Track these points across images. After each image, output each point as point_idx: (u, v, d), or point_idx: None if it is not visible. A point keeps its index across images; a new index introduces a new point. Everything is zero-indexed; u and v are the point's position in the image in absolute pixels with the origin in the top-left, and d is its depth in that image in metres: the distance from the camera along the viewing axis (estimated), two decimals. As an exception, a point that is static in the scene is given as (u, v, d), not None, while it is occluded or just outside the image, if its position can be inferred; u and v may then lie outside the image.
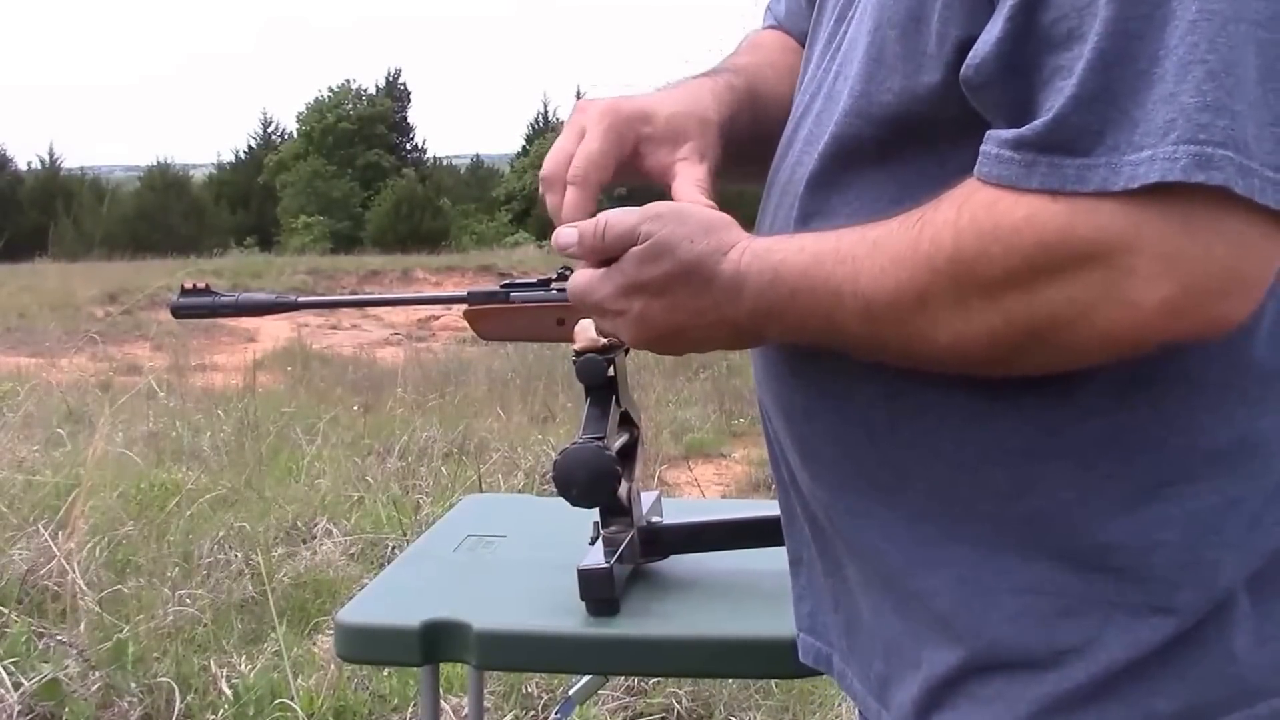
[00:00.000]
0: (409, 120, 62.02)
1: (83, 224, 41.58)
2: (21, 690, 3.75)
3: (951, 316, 1.06)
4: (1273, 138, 0.95)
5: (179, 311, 1.83)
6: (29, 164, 55.04)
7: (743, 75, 1.50)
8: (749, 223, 1.33)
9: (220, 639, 4.40)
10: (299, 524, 5.87)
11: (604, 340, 1.72)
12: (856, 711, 1.37)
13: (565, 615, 1.76)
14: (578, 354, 1.75)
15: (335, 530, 5.73)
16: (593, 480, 1.68)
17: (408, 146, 61.16)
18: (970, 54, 1.05)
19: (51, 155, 54.60)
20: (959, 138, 1.08)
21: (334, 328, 20.21)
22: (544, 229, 1.36)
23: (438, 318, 19.90)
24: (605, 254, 1.24)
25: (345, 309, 17.41)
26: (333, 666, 4.06)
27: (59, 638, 4.17)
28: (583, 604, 1.74)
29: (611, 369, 1.76)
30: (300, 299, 1.88)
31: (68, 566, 4.59)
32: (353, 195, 55.09)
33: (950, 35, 1.08)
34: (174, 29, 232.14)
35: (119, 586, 4.63)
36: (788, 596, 1.45)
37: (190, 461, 7.07)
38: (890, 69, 1.14)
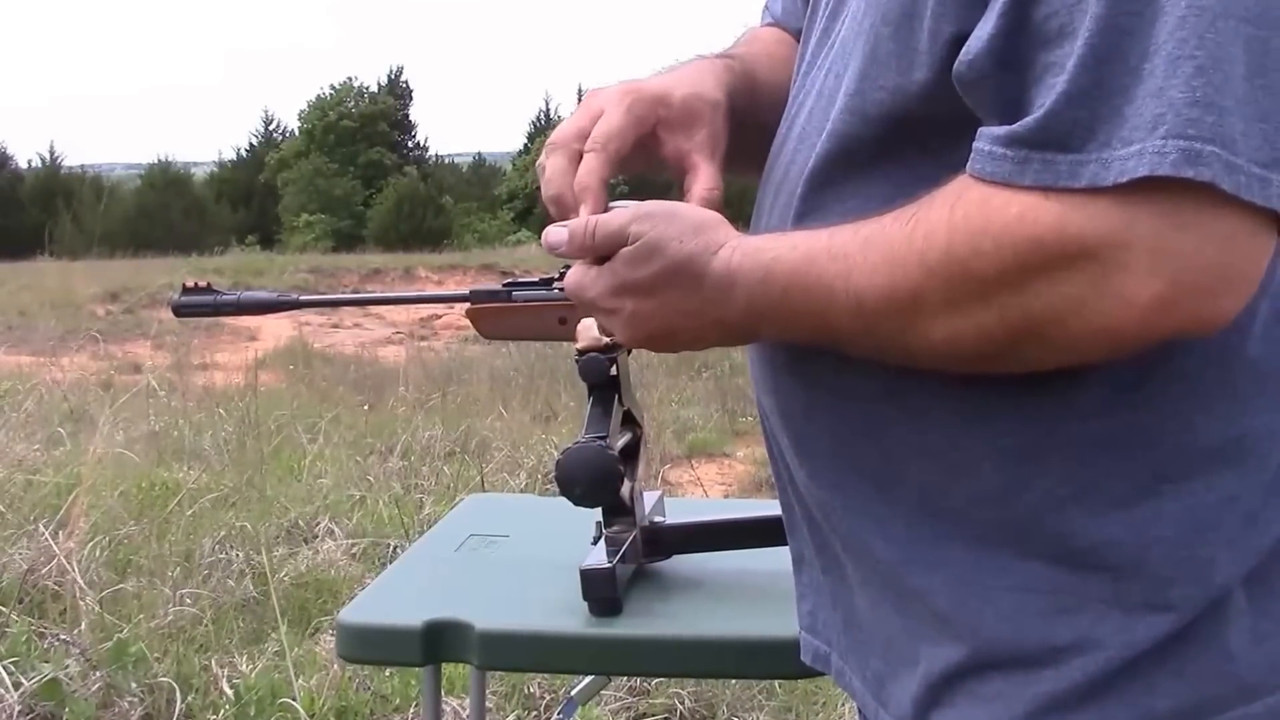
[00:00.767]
0: (411, 118, 62.24)
1: (83, 222, 41.59)
2: (22, 690, 3.74)
3: (945, 314, 1.07)
4: (1260, 134, 0.95)
5: (180, 310, 1.84)
6: (29, 162, 55.20)
7: (740, 60, 1.50)
8: (747, 222, 1.34)
9: (221, 639, 4.40)
10: (300, 523, 5.87)
11: (606, 339, 1.71)
12: (857, 711, 1.37)
13: (568, 615, 1.75)
14: (580, 353, 1.75)
15: (337, 530, 5.73)
16: (595, 480, 1.67)
17: (409, 144, 61.31)
18: (963, 50, 1.05)
19: (52, 153, 54.82)
20: (953, 135, 1.07)
21: (336, 326, 20.22)
22: (546, 227, 1.35)
23: (440, 316, 19.90)
24: (595, 254, 1.25)
25: (347, 308, 17.53)
26: (334, 666, 4.06)
27: (59, 637, 4.17)
28: (585, 604, 1.74)
29: (614, 368, 1.76)
30: (302, 298, 1.89)
31: (68, 566, 4.59)
32: (354, 193, 55.20)
33: (943, 32, 1.08)
34: (174, 27, 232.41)
35: (120, 586, 4.63)
36: (791, 597, 1.44)
37: (191, 461, 7.06)
38: (884, 66, 1.14)
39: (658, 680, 4.06)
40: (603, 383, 1.76)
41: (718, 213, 1.27)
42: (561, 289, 1.67)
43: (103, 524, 5.16)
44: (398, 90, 61.73)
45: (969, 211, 1.03)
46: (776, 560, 1.47)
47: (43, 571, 4.64)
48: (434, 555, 2.10)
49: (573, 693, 2.22)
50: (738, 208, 1.40)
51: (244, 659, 4.22)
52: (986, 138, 1.03)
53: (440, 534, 2.23)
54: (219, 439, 7.61)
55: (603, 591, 1.73)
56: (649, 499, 1.94)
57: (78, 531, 4.86)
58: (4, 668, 3.81)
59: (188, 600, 4.61)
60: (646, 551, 1.87)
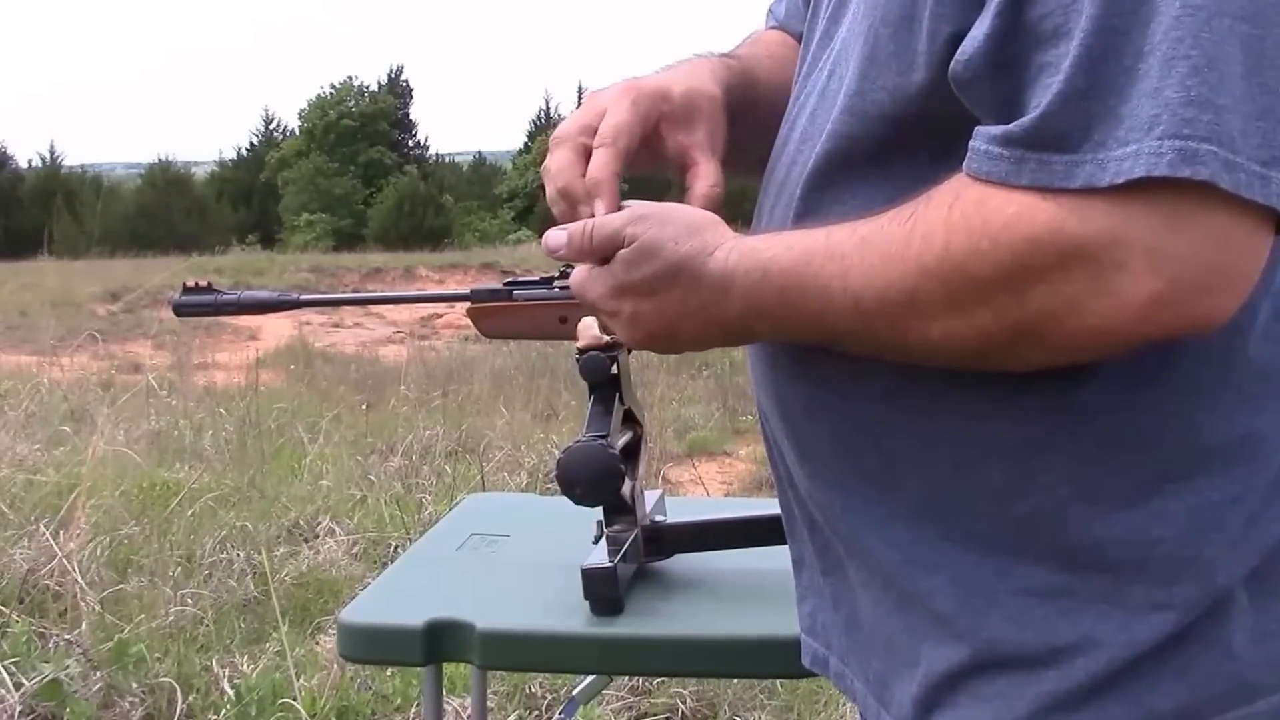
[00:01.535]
0: (411, 117, 62.34)
1: (84, 222, 41.61)
2: (22, 690, 3.74)
3: (942, 313, 1.07)
4: (1259, 132, 0.95)
5: (181, 309, 1.84)
6: (29, 162, 55.23)
7: (740, 59, 1.51)
8: (747, 221, 1.34)
9: (222, 639, 4.40)
10: (301, 523, 5.87)
11: (607, 338, 1.71)
12: (857, 712, 1.36)
13: (569, 615, 1.75)
14: (581, 352, 1.75)
15: (338, 529, 5.73)
16: (596, 479, 1.68)
17: (410, 143, 61.39)
18: (959, 50, 1.05)
19: (52, 153, 54.92)
20: (953, 136, 1.07)
21: (336, 326, 20.22)
22: (547, 225, 1.35)
23: (440, 315, 19.92)
24: (594, 256, 1.27)
25: (348, 307, 17.50)
26: (335, 666, 4.05)
27: (60, 637, 4.17)
28: (586, 603, 1.74)
29: (615, 367, 1.76)
30: (302, 297, 1.89)
31: (69, 566, 4.59)
32: (355, 192, 55.27)
33: (942, 32, 1.08)
34: (174, 26, 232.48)
35: (121, 586, 4.63)
36: (792, 596, 1.44)
37: (192, 460, 7.06)
38: (884, 67, 1.14)
39: (659, 679, 4.05)
40: (603, 381, 1.76)
41: (716, 212, 1.28)
42: (562, 288, 1.69)
43: (103, 524, 5.16)
44: (398, 89, 61.80)
45: (966, 211, 1.03)
46: (778, 559, 1.47)
47: (43, 571, 4.64)
48: (435, 555, 2.10)
49: (574, 692, 2.22)
50: (737, 206, 1.40)
51: (245, 659, 4.22)
52: (983, 137, 1.03)
53: (441, 533, 2.23)
54: (220, 439, 7.62)
55: (604, 591, 1.73)
56: (650, 498, 1.94)
57: (78, 531, 4.86)
58: (5, 668, 3.80)
59: (189, 600, 4.61)
60: (648, 551, 1.86)
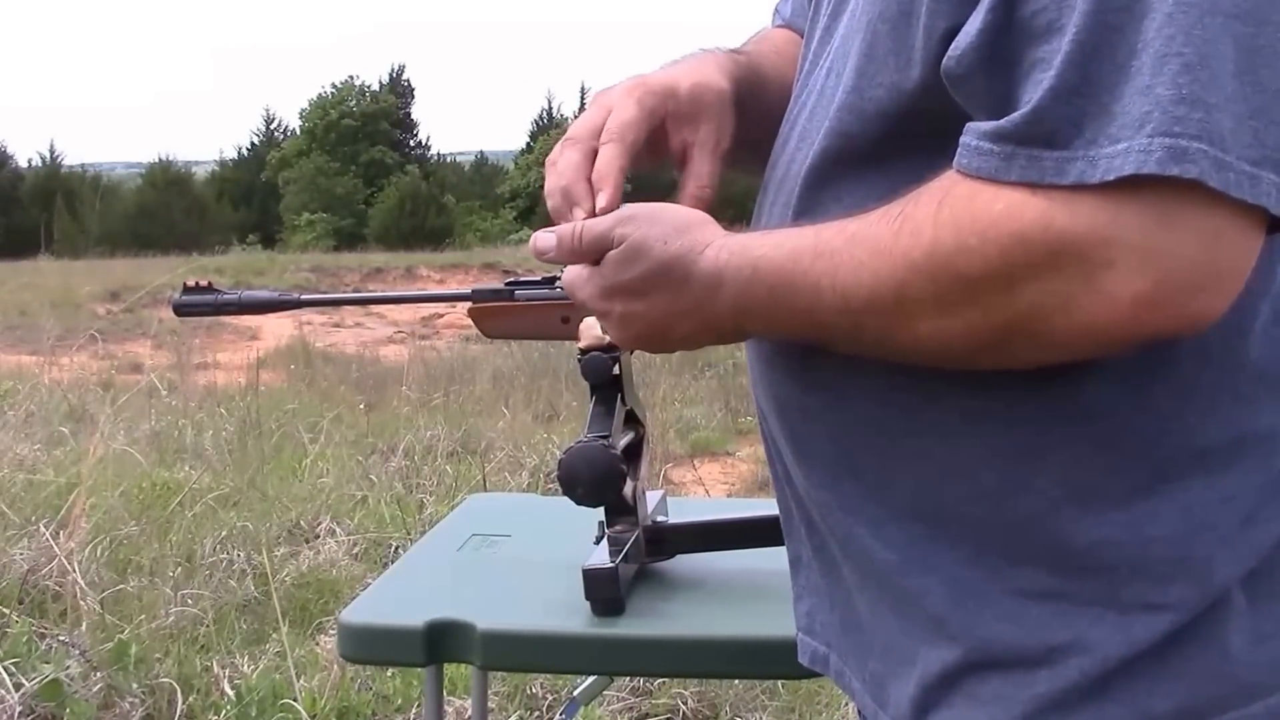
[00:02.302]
0: (413, 117, 62.36)
1: (84, 221, 41.66)
2: (22, 691, 3.74)
3: (930, 310, 1.07)
4: (1250, 131, 0.95)
5: (181, 309, 1.84)
6: (29, 161, 55.25)
7: (746, 55, 1.52)
8: (747, 220, 1.35)
9: (223, 639, 4.40)
10: (302, 523, 5.87)
11: (609, 338, 1.71)
12: (857, 712, 1.37)
13: (570, 615, 1.75)
14: (582, 352, 1.76)
15: (338, 530, 5.73)
16: (598, 479, 1.68)
17: (411, 143, 61.44)
18: (952, 45, 1.05)
19: (52, 152, 54.91)
20: (951, 133, 1.07)
21: (337, 326, 20.23)
22: (548, 225, 1.36)
23: (442, 316, 19.91)
24: (583, 258, 1.28)
25: (348, 307, 17.49)
26: (336, 667, 4.05)
27: (60, 638, 4.16)
28: (588, 604, 1.74)
29: (616, 367, 1.76)
30: (303, 297, 1.89)
31: (69, 566, 4.58)
32: (356, 192, 55.33)
33: (938, 28, 1.08)
34: (175, 24, 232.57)
35: (121, 586, 4.63)
36: (792, 594, 1.44)
37: (192, 460, 7.06)
38: (881, 64, 1.14)
39: (660, 680, 4.06)
40: (605, 382, 1.76)
41: (705, 212, 1.28)
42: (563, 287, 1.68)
43: (103, 524, 5.15)
44: (399, 88, 61.86)
45: (955, 208, 1.03)
46: (779, 560, 1.47)
47: (43, 572, 4.63)
48: (436, 555, 2.10)
49: (575, 693, 2.22)
50: (741, 205, 1.40)
51: (245, 659, 4.21)
52: (973, 133, 1.03)
53: (442, 534, 2.23)
54: (220, 439, 7.61)
55: (605, 591, 1.73)
56: (651, 498, 1.94)
57: (78, 532, 4.86)
58: (5, 668, 3.80)
59: (189, 600, 4.61)
60: (649, 551, 1.86)
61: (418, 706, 3.91)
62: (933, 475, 1.17)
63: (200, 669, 4.14)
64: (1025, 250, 1.00)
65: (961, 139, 1.04)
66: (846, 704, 3.92)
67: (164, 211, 48.25)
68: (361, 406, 9.90)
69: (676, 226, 1.23)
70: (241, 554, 5.17)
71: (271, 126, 62.58)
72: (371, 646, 1.84)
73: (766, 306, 1.18)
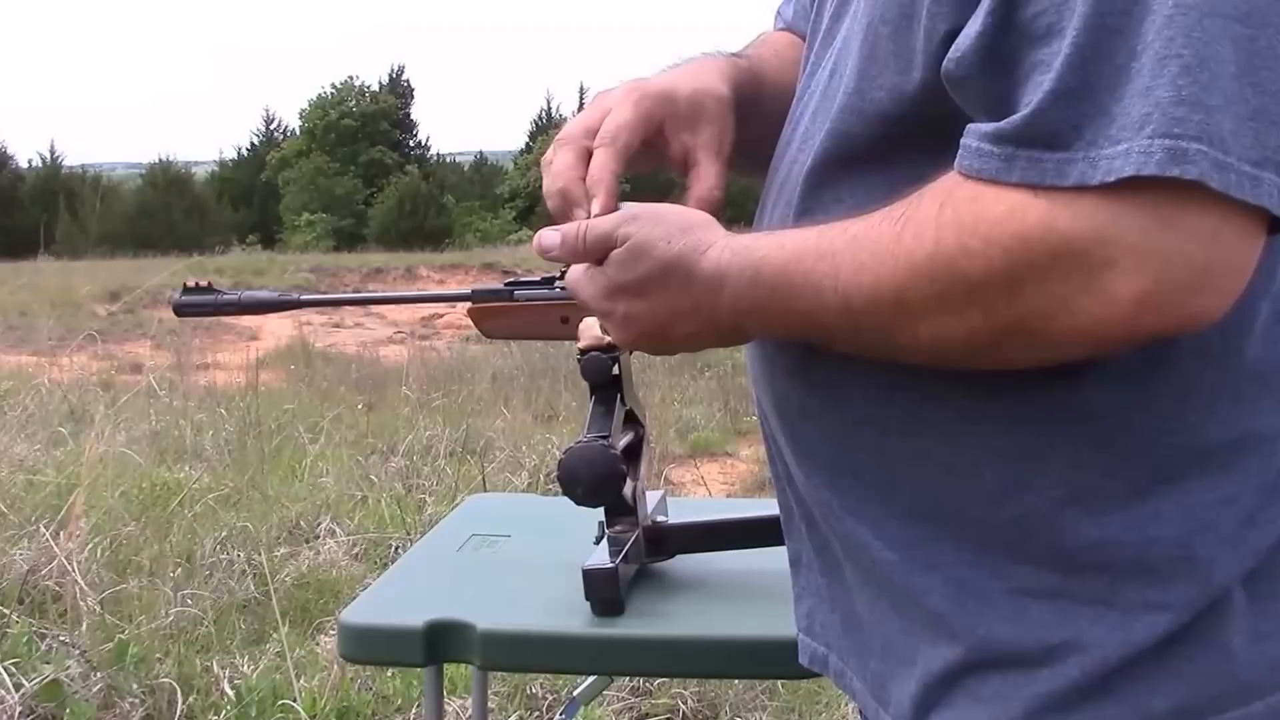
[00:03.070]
0: (412, 117, 62.35)
1: (84, 222, 41.64)
2: (23, 691, 3.74)
3: (932, 311, 1.07)
4: (1251, 132, 0.95)
5: (181, 309, 1.84)
6: (30, 161, 55.21)
7: (748, 59, 1.52)
8: (748, 220, 1.35)
9: (222, 639, 4.40)
10: (302, 523, 5.87)
11: (609, 339, 1.71)
12: (858, 712, 1.37)
13: (570, 615, 1.75)
14: (582, 352, 1.75)
15: (338, 530, 5.73)
16: (598, 479, 1.68)
17: (411, 143, 61.43)
18: (952, 48, 1.05)
19: (53, 153, 54.87)
20: (951, 135, 1.07)
21: (337, 326, 20.21)
22: (548, 225, 1.36)
23: (441, 316, 19.91)
24: (587, 257, 1.28)
25: (348, 307, 17.49)
26: (335, 667, 4.05)
27: (60, 638, 4.17)
28: (588, 604, 1.74)
29: (616, 367, 1.76)
30: (303, 297, 1.89)
31: (69, 566, 4.58)
32: (356, 192, 55.31)
33: (939, 30, 1.08)
34: (175, 24, 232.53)
35: (121, 586, 4.63)
36: (792, 594, 1.44)
37: (192, 461, 7.06)
38: (883, 66, 1.14)
39: (660, 680, 4.05)
40: (605, 382, 1.76)
41: (714, 215, 1.28)
42: (564, 288, 1.68)
43: (103, 524, 5.15)
44: (399, 89, 61.85)
45: (957, 209, 1.03)
46: (779, 560, 1.47)
47: (43, 572, 4.63)
48: (436, 555, 2.10)
49: (575, 693, 2.22)
50: (740, 206, 1.40)
51: (245, 660, 4.21)
52: (974, 134, 1.03)
53: (442, 534, 2.23)
54: (220, 439, 7.62)
55: (605, 591, 1.73)
56: (651, 498, 1.94)
57: (78, 532, 4.85)
58: (5, 669, 3.80)
59: (189, 601, 4.61)
60: (649, 551, 1.86)
61: (418, 707, 3.91)
62: (933, 475, 1.17)
63: (200, 669, 4.14)
64: (1027, 251, 1.00)
65: (962, 140, 1.04)
66: (846, 703, 3.92)
67: (164, 212, 48.21)
68: (361, 407, 9.91)
69: (680, 226, 1.23)
70: (241, 554, 5.17)
71: (271, 127, 62.64)
72: (371, 647, 1.84)
73: (768, 307, 1.18)
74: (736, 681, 4.02)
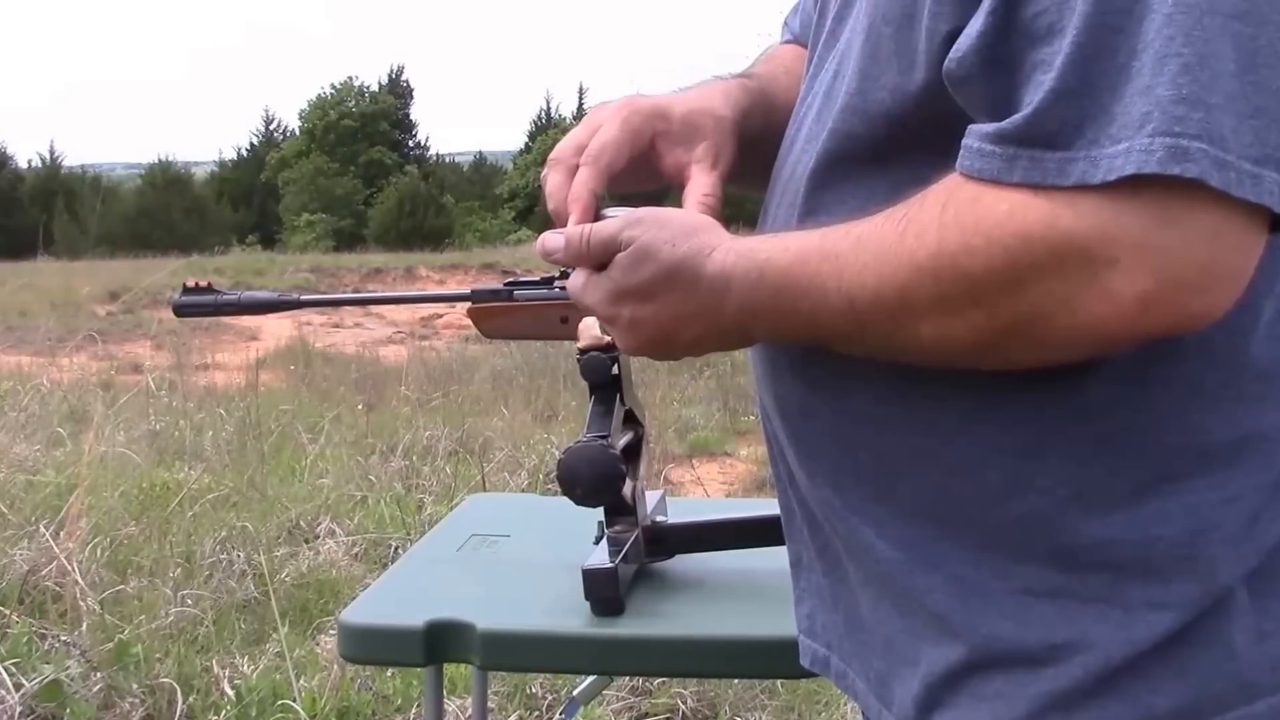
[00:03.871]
0: (412, 117, 62.26)
1: (83, 222, 41.58)
2: (23, 691, 3.73)
3: (935, 312, 1.07)
4: (1251, 130, 0.95)
5: (181, 310, 1.84)
6: (29, 162, 55.14)
7: (757, 79, 1.52)
8: (750, 223, 1.36)
9: (222, 639, 4.39)
10: (301, 523, 5.86)
11: (608, 338, 1.71)
12: (859, 713, 1.37)
13: (570, 615, 1.75)
14: (581, 352, 1.75)
15: (338, 530, 5.72)
16: (597, 479, 1.68)
17: (410, 144, 61.38)
18: (953, 48, 1.05)
19: (52, 153, 54.79)
20: (954, 136, 1.07)
21: (337, 326, 20.19)
22: (547, 226, 1.37)
23: (441, 316, 19.87)
24: (591, 261, 1.28)
25: (348, 307, 17.46)
26: (335, 667, 4.05)
27: (60, 638, 4.16)
28: (587, 604, 1.74)
29: (616, 367, 1.76)
30: (303, 297, 1.89)
31: (69, 567, 4.58)
32: (355, 192, 55.26)
33: (940, 31, 1.08)
34: (175, 26, 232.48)
35: (121, 587, 4.63)
36: (792, 596, 1.44)
37: (192, 461, 7.05)
38: (884, 66, 1.14)
39: (660, 680, 4.05)
40: (604, 382, 1.76)
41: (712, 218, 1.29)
42: (563, 288, 1.69)
43: (103, 524, 5.15)
44: (398, 89, 61.80)
45: (959, 209, 1.04)
46: (779, 559, 1.47)
47: (43, 572, 4.63)
48: (435, 555, 2.10)
49: (575, 693, 2.22)
50: (739, 206, 1.40)
51: (245, 660, 4.21)
52: (975, 134, 1.04)
53: (442, 534, 2.23)
54: (220, 439, 7.61)
55: (605, 591, 1.73)
56: (651, 498, 1.94)
57: (78, 532, 4.85)
58: (5, 669, 3.80)
59: (189, 601, 4.61)
60: (649, 551, 1.86)
61: (417, 706, 3.91)
62: (936, 474, 1.18)
63: (200, 669, 4.14)
64: (1030, 251, 1.00)
65: (964, 141, 1.05)
66: (846, 703, 3.93)
67: (163, 212, 48.14)
68: (361, 407, 9.89)
69: (684, 230, 1.23)
70: (241, 554, 5.17)
71: (271, 127, 62.58)
72: (371, 647, 1.84)
73: (772, 309, 1.18)
74: (736, 681, 4.02)
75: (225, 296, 1.82)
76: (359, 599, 1.96)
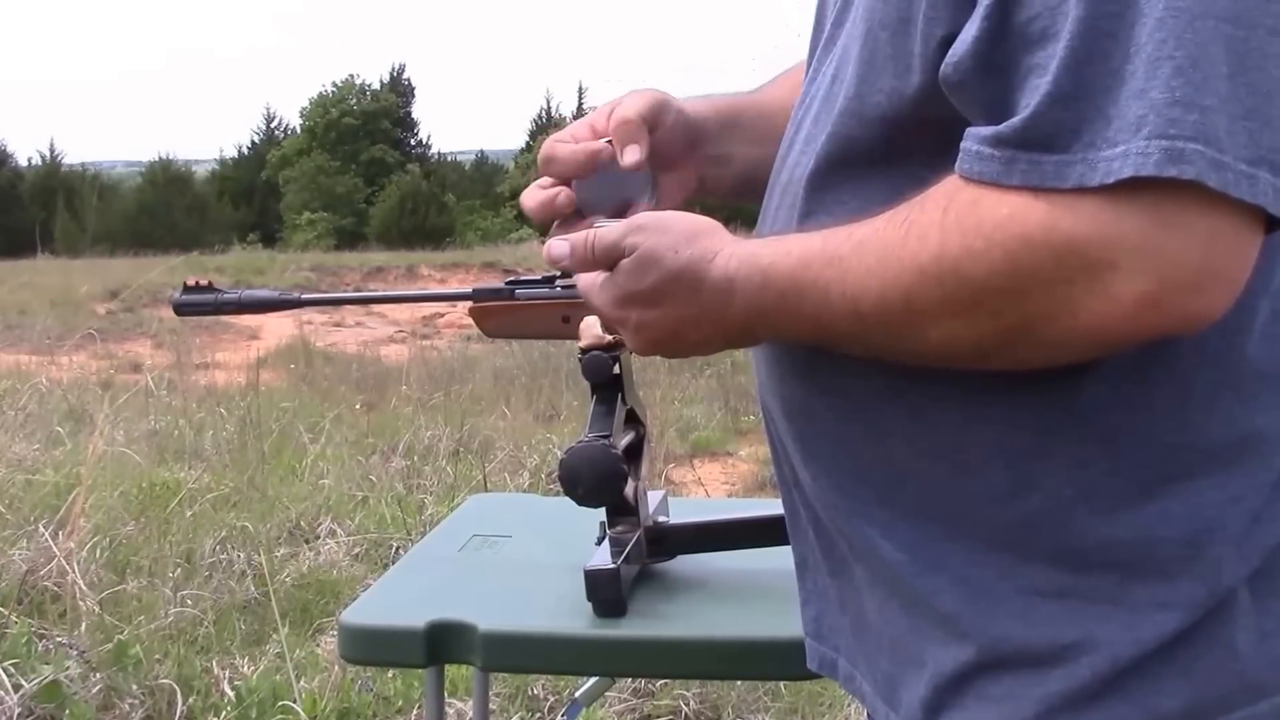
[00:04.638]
0: (413, 116, 62.24)
1: (84, 220, 41.60)
2: (22, 692, 3.73)
3: (938, 314, 1.08)
4: (1245, 131, 0.96)
5: (181, 309, 1.84)
6: (29, 159, 55.19)
7: (757, 92, 1.60)
8: (749, 223, 1.39)
9: (222, 640, 4.40)
10: (302, 524, 5.87)
11: (610, 338, 1.71)
12: (865, 715, 1.37)
13: (572, 616, 1.75)
14: (583, 351, 1.75)
15: (339, 530, 5.73)
16: (599, 479, 1.68)
17: (412, 142, 61.36)
18: (949, 53, 1.06)
19: (52, 151, 54.74)
20: (950, 139, 1.08)
21: (338, 325, 20.19)
22: (549, 225, 1.39)
23: (442, 315, 19.90)
24: (596, 267, 1.31)
25: (349, 306, 17.48)
26: (336, 668, 4.05)
27: (59, 639, 4.16)
28: (589, 605, 1.73)
29: (617, 366, 1.77)
30: (304, 296, 1.90)
31: (68, 567, 4.58)
32: (356, 191, 55.26)
33: (935, 35, 1.09)
34: (175, 24, 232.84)
35: (120, 587, 4.63)
36: (795, 597, 1.44)
37: (192, 460, 7.06)
38: (881, 70, 1.16)
39: (662, 681, 4.05)
40: (606, 381, 1.76)
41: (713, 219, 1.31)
42: (565, 287, 1.70)
43: (103, 524, 5.16)
44: (400, 87, 61.80)
45: (960, 212, 1.05)
46: (781, 560, 1.47)
47: (42, 572, 4.63)
48: (436, 555, 2.10)
49: (577, 694, 2.22)
50: (737, 206, 1.40)
51: (245, 660, 4.22)
52: (974, 138, 1.05)
53: (443, 534, 2.23)
54: (220, 438, 7.61)
55: (607, 592, 1.73)
56: (653, 498, 1.94)
57: (77, 532, 4.85)
58: (4, 669, 3.80)
59: (188, 601, 4.61)
60: (650, 551, 1.86)
61: (418, 708, 3.90)
62: (942, 475, 1.18)
63: (200, 670, 4.14)
64: (1031, 253, 1.01)
65: (962, 144, 1.06)
66: (849, 705, 3.93)
67: (164, 210, 48.13)
68: (361, 406, 9.91)
69: (687, 234, 1.25)
70: (241, 554, 5.17)
71: (272, 125, 62.54)
72: (372, 647, 1.84)
73: (777, 312, 1.19)
74: (739, 683, 4.02)
75: (226, 295, 1.83)
76: (360, 599, 1.96)
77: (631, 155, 1.44)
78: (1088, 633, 1.12)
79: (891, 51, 1.14)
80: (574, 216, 1.49)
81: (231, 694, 3.93)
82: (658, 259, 1.24)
